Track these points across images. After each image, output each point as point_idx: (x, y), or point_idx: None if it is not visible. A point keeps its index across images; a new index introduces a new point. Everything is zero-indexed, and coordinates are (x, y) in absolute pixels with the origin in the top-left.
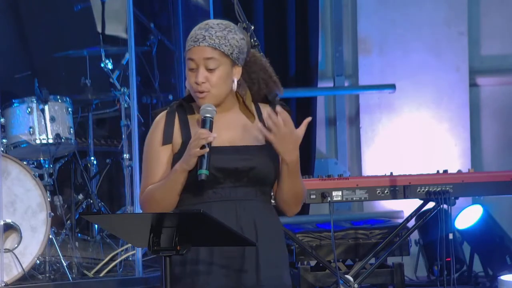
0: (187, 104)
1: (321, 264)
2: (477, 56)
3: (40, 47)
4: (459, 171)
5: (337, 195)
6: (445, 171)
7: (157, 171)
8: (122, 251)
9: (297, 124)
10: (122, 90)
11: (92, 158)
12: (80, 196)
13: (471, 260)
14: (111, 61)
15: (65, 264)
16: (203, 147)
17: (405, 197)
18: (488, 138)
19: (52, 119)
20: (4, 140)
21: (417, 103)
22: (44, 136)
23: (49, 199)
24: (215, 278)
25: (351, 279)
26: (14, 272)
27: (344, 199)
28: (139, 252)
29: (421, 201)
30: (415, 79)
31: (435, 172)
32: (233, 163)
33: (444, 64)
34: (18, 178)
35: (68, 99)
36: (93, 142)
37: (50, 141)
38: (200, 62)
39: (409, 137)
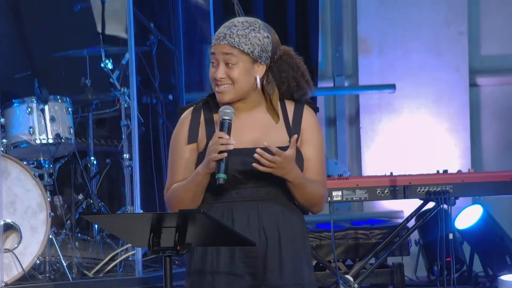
0: (212, 102)
1: (321, 264)
2: (477, 56)
3: (40, 47)
4: (459, 171)
5: (337, 195)
6: (445, 171)
7: (182, 169)
8: (122, 251)
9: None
10: (122, 90)
11: (92, 158)
12: (80, 196)
13: (471, 260)
14: (111, 61)
15: (65, 264)
16: (221, 151)
17: (405, 197)
18: (488, 138)
19: (52, 119)
20: (4, 140)
21: (417, 103)
22: (44, 136)
23: (49, 199)
24: (236, 278)
25: (351, 279)
26: (14, 272)
27: (344, 199)
28: (139, 252)
29: (421, 201)
30: (415, 79)
31: (435, 172)
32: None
33: (444, 64)
34: (18, 178)
35: (68, 99)
36: (93, 142)
37: (50, 141)
38: (220, 57)
39: (409, 137)
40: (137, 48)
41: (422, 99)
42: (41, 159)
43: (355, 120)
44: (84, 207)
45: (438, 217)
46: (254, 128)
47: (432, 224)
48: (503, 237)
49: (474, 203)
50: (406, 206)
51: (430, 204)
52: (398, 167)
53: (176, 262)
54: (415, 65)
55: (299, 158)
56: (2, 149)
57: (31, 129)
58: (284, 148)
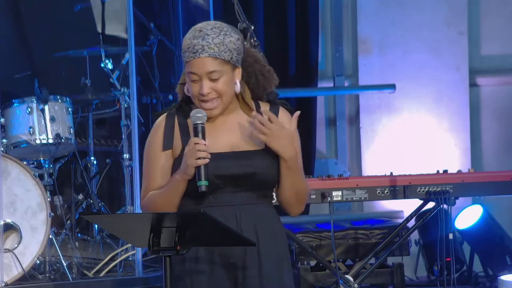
0: (186, 106)
1: (321, 264)
2: (477, 56)
3: (40, 47)
4: (459, 171)
5: (337, 195)
6: (445, 171)
7: (157, 176)
8: (122, 251)
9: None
10: (122, 90)
11: (92, 158)
12: (80, 196)
13: (471, 260)
14: (111, 61)
15: (65, 264)
16: (200, 158)
17: (405, 197)
18: (488, 138)
19: (52, 119)
20: (4, 140)
21: (417, 103)
22: (44, 136)
23: (49, 199)
24: (216, 283)
25: (351, 279)
26: (14, 272)
27: (344, 199)
28: (139, 252)
29: (421, 201)
30: (415, 79)
31: (435, 172)
32: (233, 169)
33: (444, 64)
34: (18, 178)
35: (68, 99)
36: (93, 142)
37: (50, 141)
38: (202, 74)
39: (409, 137)
40: (137, 48)
41: (422, 99)
42: (41, 159)
43: (355, 120)
44: (84, 207)
45: (438, 217)
46: (231, 132)
47: (432, 224)
48: (503, 237)
49: (474, 203)
50: (406, 206)
51: (430, 204)
52: (398, 167)
53: None
54: (415, 65)
55: (276, 160)
56: (2, 149)
57: (31, 129)
58: (260, 152)
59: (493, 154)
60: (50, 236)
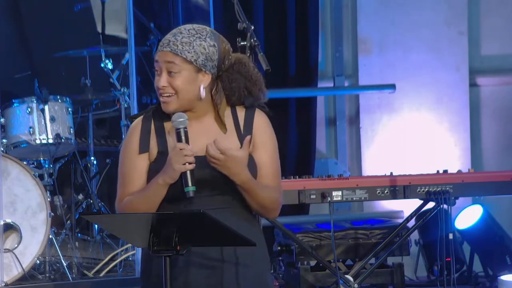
0: (162, 110)
1: (321, 264)
2: (477, 56)
3: (40, 47)
4: (459, 171)
5: (337, 195)
6: (445, 171)
7: (134, 180)
8: (122, 251)
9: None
10: (122, 90)
11: (92, 158)
12: (80, 196)
13: (471, 260)
14: (111, 61)
15: (65, 264)
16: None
17: (405, 197)
18: (488, 138)
19: (52, 119)
20: (4, 140)
21: (417, 103)
22: (44, 136)
23: (49, 199)
24: (194, 279)
25: (351, 279)
26: (14, 272)
27: (344, 199)
28: (139, 252)
29: (421, 201)
30: (415, 79)
31: (435, 172)
32: (208, 173)
33: (444, 64)
34: (18, 178)
35: (68, 99)
36: (93, 142)
37: (50, 141)
38: (162, 65)
39: (409, 137)
40: (137, 48)
41: (422, 99)
42: (41, 159)
43: (355, 120)
44: (84, 207)
45: (438, 217)
46: (206, 136)
47: (432, 224)
48: (503, 237)
49: (474, 203)
50: (406, 206)
51: (430, 204)
52: (398, 167)
53: None
54: (415, 65)
55: (252, 164)
56: (2, 149)
57: (31, 129)
58: None
59: (493, 154)
60: (50, 236)
